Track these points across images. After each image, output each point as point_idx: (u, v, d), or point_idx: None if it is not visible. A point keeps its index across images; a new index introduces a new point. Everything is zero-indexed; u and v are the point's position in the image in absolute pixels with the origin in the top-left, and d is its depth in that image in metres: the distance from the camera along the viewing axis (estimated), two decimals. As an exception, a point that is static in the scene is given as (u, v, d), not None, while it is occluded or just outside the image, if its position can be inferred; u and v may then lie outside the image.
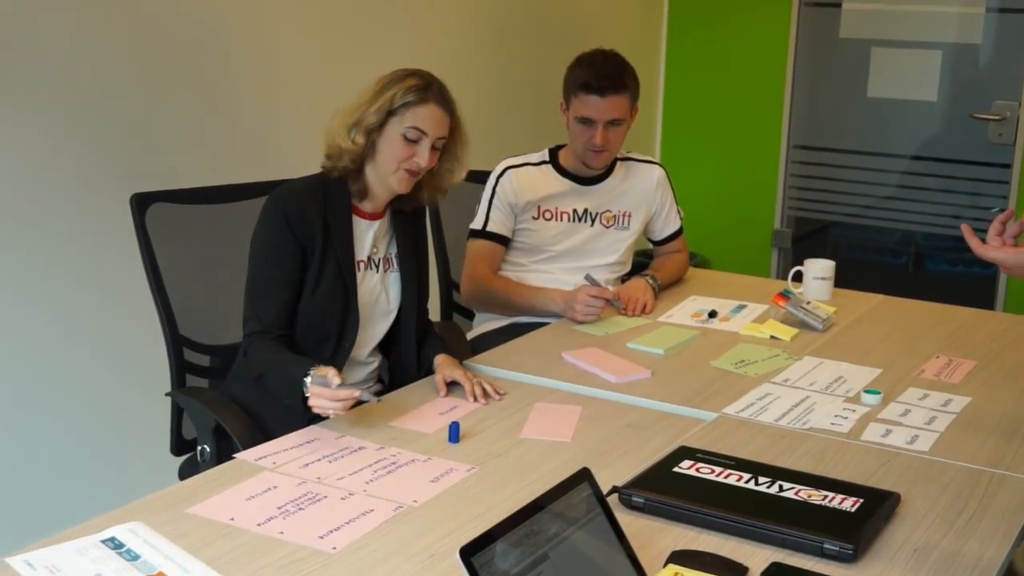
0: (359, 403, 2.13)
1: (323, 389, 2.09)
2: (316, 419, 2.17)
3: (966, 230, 1.93)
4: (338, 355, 2.37)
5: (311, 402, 2.10)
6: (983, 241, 1.91)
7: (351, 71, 3.52)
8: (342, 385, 2.09)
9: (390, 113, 2.31)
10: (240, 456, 2.02)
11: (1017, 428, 2.21)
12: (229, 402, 2.36)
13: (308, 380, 2.11)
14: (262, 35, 3.30)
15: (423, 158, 2.32)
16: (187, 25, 3.09)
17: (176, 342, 2.50)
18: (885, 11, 4.85)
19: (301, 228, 2.29)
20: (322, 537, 1.71)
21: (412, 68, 2.37)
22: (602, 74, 2.89)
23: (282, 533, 1.72)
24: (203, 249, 2.58)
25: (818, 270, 3.12)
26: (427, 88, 2.32)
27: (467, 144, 2.45)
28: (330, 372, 2.10)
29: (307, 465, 1.97)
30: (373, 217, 2.43)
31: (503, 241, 3.05)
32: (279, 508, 1.80)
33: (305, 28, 3.45)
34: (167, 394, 2.52)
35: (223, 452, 2.23)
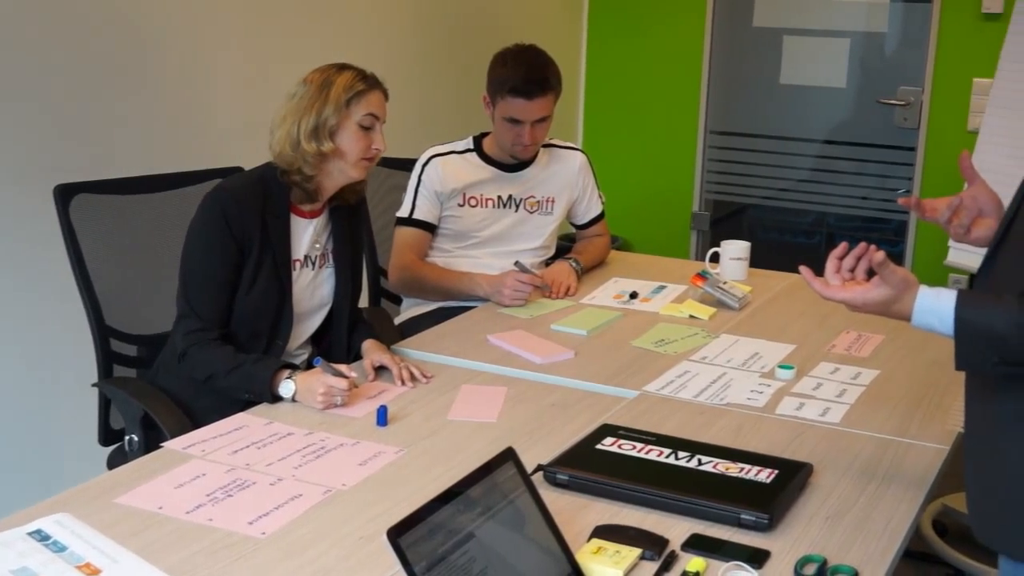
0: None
1: (335, 378, 2.19)
2: (248, 407, 2.20)
3: (806, 273, 1.76)
4: (270, 352, 2.38)
5: (320, 391, 2.17)
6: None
7: (275, 60, 3.53)
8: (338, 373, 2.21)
9: (346, 106, 2.33)
10: (168, 445, 2.03)
11: (922, 398, 2.31)
12: (157, 391, 2.36)
13: (294, 376, 2.21)
14: (186, 23, 3.28)
15: (380, 142, 2.37)
16: (111, 14, 3.05)
17: (102, 332, 2.49)
18: (796, 0, 4.96)
19: (239, 227, 2.30)
20: (251, 523, 1.72)
21: (337, 63, 2.39)
22: (529, 78, 2.94)
23: (211, 520, 1.73)
24: (128, 239, 2.57)
25: (734, 251, 3.20)
26: (367, 76, 2.37)
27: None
28: (343, 368, 2.24)
29: (236, 452, 1.99)
30: (312, 215, 2.45)
31: (429, 228, 3.08)
32: (208, 495, 1.81)
33: (230, 17, 3.43)
34: (94, 384, 2.51)
35: (151, 441, 2.23)
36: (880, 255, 1.65)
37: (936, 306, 1.61)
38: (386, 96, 2.41)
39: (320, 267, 2.48)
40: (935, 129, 4.75)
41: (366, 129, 2.35)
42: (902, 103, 4.79)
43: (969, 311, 1.57)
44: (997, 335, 1.53)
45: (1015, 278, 1.59)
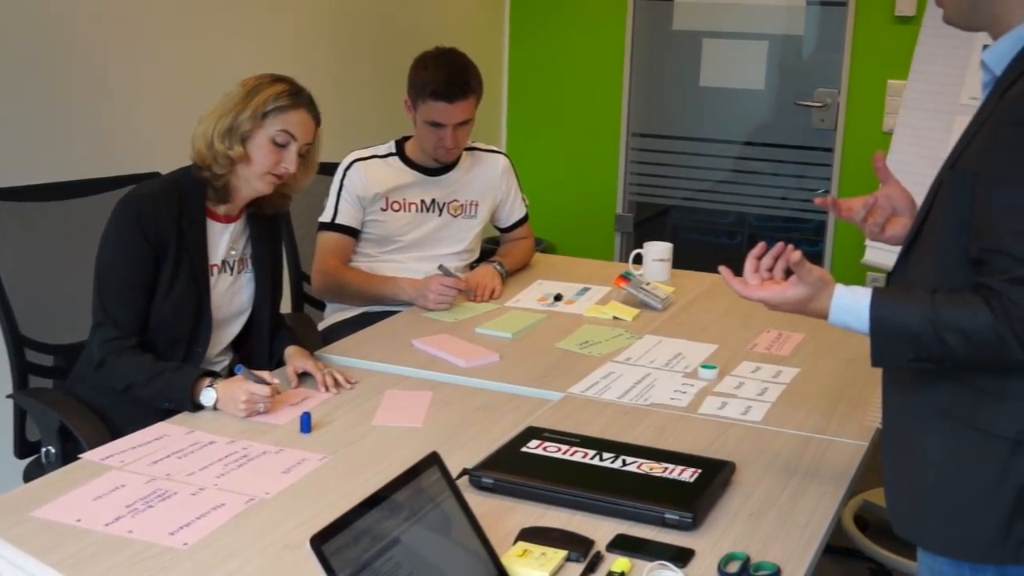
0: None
1: (257, 386, 2.16)
2: (169, 416, 2.16)
3: (725, 272, 1.79)
4: (190, 359, 2.35)
5: (242, 399, 2.14)
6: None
7: (193, 66, 3.47)
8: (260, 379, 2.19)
9: (263, 116, 2.30)
10: (86, 456, 1.99)
11: (841, 396, 2.35)
12: (74, 402, 2.32)
13: (215, 384, 2.18)
14: (102, 29, 3.22)
15: (291, 163, 2.33)
16: (24, 18, 2.98)
17: (16, 342, 2.44)
18: (714, 4, 5.02)
19: (154, 233, 2.27)
20: (172, 534, 1.70)
21: (280, 75, 2.37)
22: (450, 81, 2.94)
23: (131, 532, 1.70)
24: (42, 247, 2.52)
25: (656, 252, 3.23)
26: (298, 94, 2.34)
27: (318, 153, 2.47)
28: (265, 375, 2.21)
29: (156, 462, 1.96)
30: (228, 220, 2.42)
31: (352, 233, 3.06)
32: (127, 507, 1.78)
33: (147, 22, 3.37)
34: (8, 396, 2.46)
35: (69, 453, 2.19)
36: (797, 255, 1.68)
37: (852, 304, 1.64)
38: (316, 121, 2.38)
39: (239, 272, 2.45)
40: (851, 130, 4.83)
41: (279, 145, 2.32)
42: (819, 105, 4.87)
43: (884, 309, 1.60)
44: (911, 332, 1.56)
45: (927, 276, 1.63)
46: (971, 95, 3.24)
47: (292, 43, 4.00)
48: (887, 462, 1.73)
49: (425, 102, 2.96)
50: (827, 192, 4.90)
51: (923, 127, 3.43)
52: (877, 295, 1.62)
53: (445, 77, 2.94)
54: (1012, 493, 1.57)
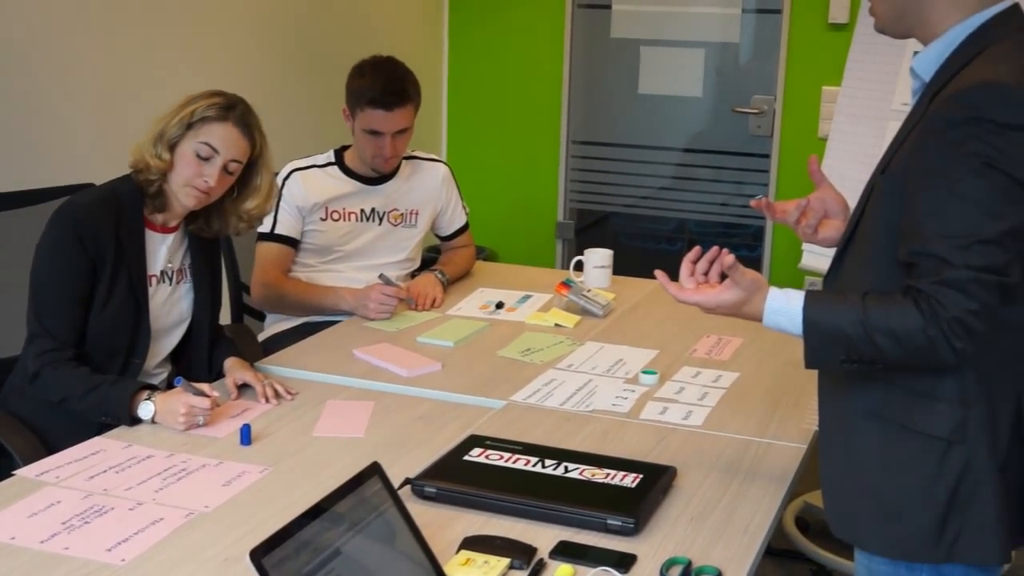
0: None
1: (196, 398, 2.14)
2: (106, 430, 2.13)
3: (661, 277, 1.82)
4: (128, 371, 2.32)
5: (181, 412, 2.12)
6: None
7: (125, 77, 3.43)
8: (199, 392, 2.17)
9: (189, 127, 2.28)
10: (20, 472, 1.96)
11: (780, 399, 2.38)
12: (7, 416, 2.27)
13: (153, 397, 2.16)
14: (33, 37, 3.16)
15: (212, 177, 2.29)
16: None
17: (-54, 358, 2.39)
18: (652, 12, 5.06)
19: (92, 244, 2.23)
20: (110, 550, 1.68)
21: (224, 92, 2.35)
22: (388, 89, 2.93)
23: (67, 549, 1.68)
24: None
25: (597, 259, 3.25)
26: (229, 108, 2.31)
27: (267, 175, 2.43)
28: (205, 387, 2.20)
29: (93, 477, 1.93)
30: (167, 230, 2.39)
31: (292, 243, 3.04)
32: (63, 523, 1.75)
33: (79, 29, 3.33)
34: (-63, 413, 2.40)
35: (2, 469, 2.14)
36: (730, 259, 1.70)
37: (785, 307, 1.66)
38: (251, 142, 2.34)
39: (177, 283, 2.43)
40: (788, 136, 4.90)
41: (201, 158, 2.29)
42: (756, 111, 4.93)
43: (816, 311, 1.62)
44: (843, 334, 1.59)
45: (861, 279, 1.66)
46: (903, 101, 3.29)
47: (231, 53, 3.97)
48: (823, 463, 1.76)
49: (363, 110, 2.95)
50: (763, 196, 4.95)
51: (856, 133, 3.48)
52: (810, 298, 1.64)
53: (383, 85, 2.93)
54: (945, 493, 1.60)
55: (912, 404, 1.61)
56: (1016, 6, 1.65)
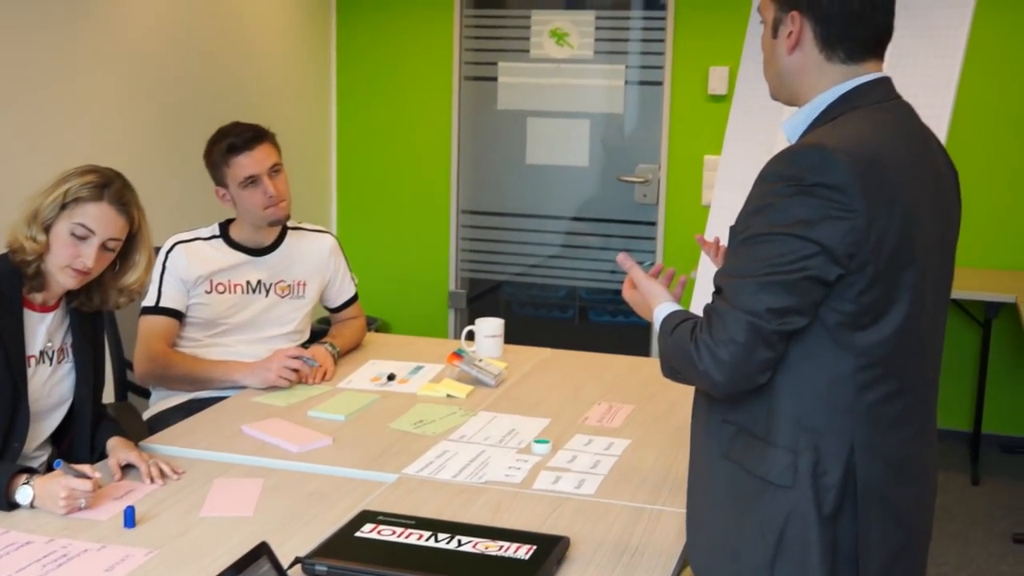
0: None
1: (77, 480, 2.07)
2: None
3: (622, 259, 1.98)
4: (7, 454, 2.24)
5: (62, 495, 2.05)
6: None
7: (10, 143, 3.35)
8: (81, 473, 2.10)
9: (63, 207, 2.23)
10: None
11: (671, 465, 2.40)
12: None
13: (31, 481, 2.09)
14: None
15: (89, 258, 2.24)
16: None
17: None
18: (537, 84, 5.16)
19: None
20: (-15, 644, 1.61)
21: (99, 165, 2.31)
22: (241, 133, 2.98)
23: (-62, 645, 1.60)
24: None
25: (488, 328, 3.26)
26: (104, 186, 2.27)
27: (146, 250, 2.40)
28: (86, 468, 2.13)
29: (-35, 568, 1.85)
30: (46, 309, 2.33)
31: (178, 316, 2.99)
32: (-66, 618, 1.68)
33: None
34: None
35: None
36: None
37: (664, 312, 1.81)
38: (128, 219, 2.30)
39: (58, 362, 2.36)
40: (672, 204, 5.02)
41: (78, 239, 2.25)
42: (641, 180, 5.04)
43: (664, 325, 1.76)
44: (666, 351, 1.74)
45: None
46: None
47: (114, 127, 3.91)
48: (688, 500, 1.86)
49: (228, 164, 2.96)
50: (653, 264, 5.05)
51: (736, 199, 3.57)
52: (667, 316, 1.78)
53: (236, 131, 2.99)
54: (773, 536, 1.68)
55: (751, 447, 1.70)
56: (884, 79, 1.75)
